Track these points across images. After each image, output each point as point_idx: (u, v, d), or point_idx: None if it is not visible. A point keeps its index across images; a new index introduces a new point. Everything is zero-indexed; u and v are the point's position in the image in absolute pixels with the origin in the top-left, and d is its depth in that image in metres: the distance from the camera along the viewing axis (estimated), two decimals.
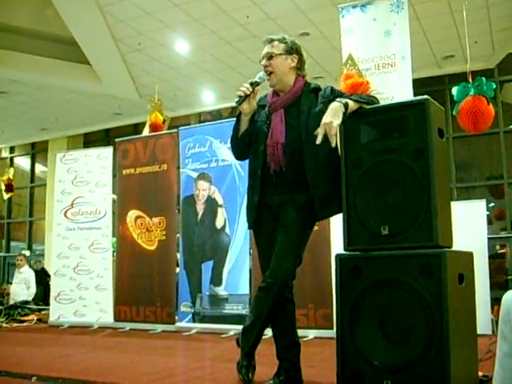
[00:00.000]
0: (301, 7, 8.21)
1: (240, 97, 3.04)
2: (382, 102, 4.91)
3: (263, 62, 3.14)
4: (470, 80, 5.77)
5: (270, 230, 3.08)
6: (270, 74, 3.13)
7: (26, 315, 7.83)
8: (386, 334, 2.53)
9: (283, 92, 3.16)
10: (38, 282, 9.52)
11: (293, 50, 3.14)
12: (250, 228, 3.26)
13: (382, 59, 5.31)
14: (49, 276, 9.99)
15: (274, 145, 3.06)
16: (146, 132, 8.29)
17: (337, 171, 2.93)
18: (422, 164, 2.57)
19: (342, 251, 2.78)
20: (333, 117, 2.75)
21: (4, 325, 7.26)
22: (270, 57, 3.12)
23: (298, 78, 3.17)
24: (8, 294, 9.98)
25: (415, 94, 5.05)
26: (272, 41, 3.15)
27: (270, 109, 3.16)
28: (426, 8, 7.95)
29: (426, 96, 2.65)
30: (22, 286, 9.14)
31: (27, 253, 14.51)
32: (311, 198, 2.98)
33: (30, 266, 9.86)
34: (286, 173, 3.02)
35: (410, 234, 2.55)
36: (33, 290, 9.20)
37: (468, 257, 2.76)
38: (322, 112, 2.90)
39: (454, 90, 5.82)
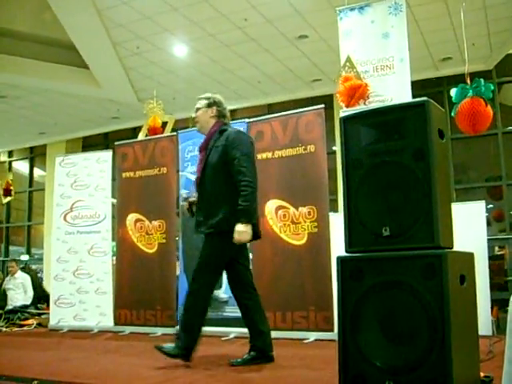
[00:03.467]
0: (299, 10, 8.22)
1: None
2: (381, 104, 4.97)
3: (193, 114, 4.21)
4: (468, 82, 5.77)
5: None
6: (196, 122, 4.19)
7: (25, 319, 7.82)
8: (387, 335, 2.53)
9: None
10: None
11: (211, 103, 4.14)
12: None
13: (380, 61, 5.33)
14: (39, 280, 10.12)
15: (196, 179, 4.07)
16: (140, 137, 8.27)
17: (222, 199, 3.89)
18: (422, 165, 2.56)
19: (343, 253, 2.77)
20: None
21: (4, 329, 7.26)
22: (196, 110, 4.19)
23: (215, 123, 4.11)
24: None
25: (413, 96, 5.06)
26: (199, 99, 4.19)
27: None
28: (423, 10, 7.96)
29: (425, 98, 2.65)
30: (20, 291, 9.12)
31: (26, 257, 14.50)
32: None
33: (23, 270, 9.84)
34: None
35: (411, 234, 2.54)
36: (30, 293, 9.17)
37: (469, 257, 2.75)
38: (222, 150, 3.91)
39: (453, 92, 5.82)
